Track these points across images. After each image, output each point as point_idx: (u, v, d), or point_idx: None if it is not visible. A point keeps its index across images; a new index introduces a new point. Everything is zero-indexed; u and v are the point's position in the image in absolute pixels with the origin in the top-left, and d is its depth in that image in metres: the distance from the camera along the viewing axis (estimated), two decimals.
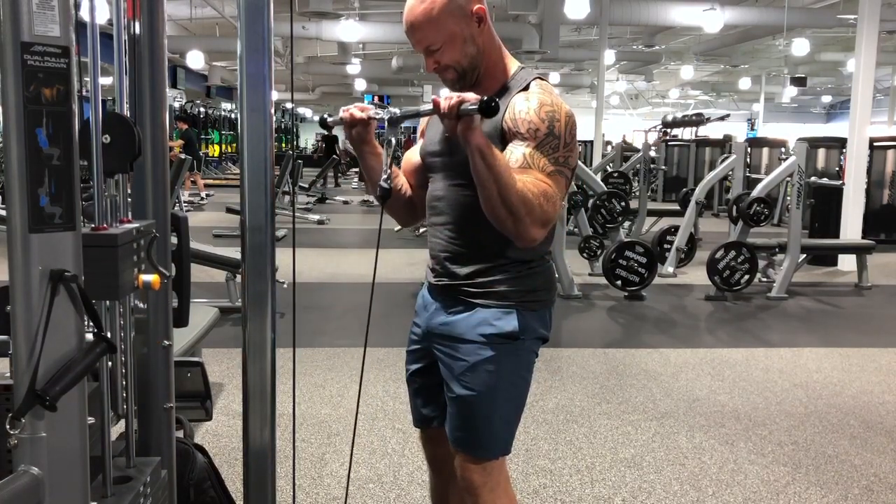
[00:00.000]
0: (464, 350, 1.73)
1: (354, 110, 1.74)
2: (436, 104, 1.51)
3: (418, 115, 1.68)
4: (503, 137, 1.66)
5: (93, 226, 1.33)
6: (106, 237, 1.30)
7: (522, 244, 1.62)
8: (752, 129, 26.87)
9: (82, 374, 1.14)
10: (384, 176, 1.63)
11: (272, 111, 1.57)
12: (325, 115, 1.84)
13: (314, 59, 19.82)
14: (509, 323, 1.71)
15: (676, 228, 7.72)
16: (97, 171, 1.35)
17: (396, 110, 1.65)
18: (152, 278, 1.38)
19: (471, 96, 1.48)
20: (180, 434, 2.00)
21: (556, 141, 1.62)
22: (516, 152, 1.62)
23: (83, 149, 1.21)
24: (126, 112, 1.53)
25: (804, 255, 7.13)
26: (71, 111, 1.10)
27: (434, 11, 1.63)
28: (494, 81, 1.74)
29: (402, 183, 1.94)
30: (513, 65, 1.77)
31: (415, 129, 2.09)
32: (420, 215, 1.94)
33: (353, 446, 2.17)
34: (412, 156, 1.95)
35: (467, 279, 1.74)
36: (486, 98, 1.45)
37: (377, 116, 1.72)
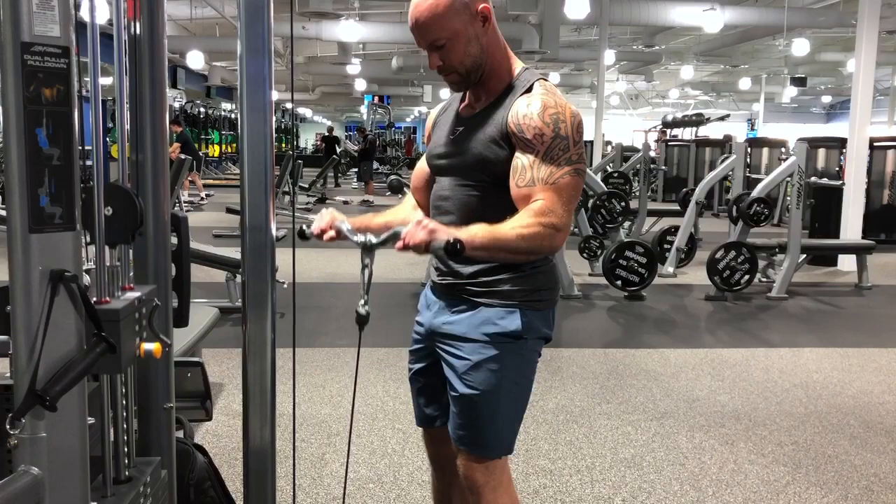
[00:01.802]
0: (467, 349, 1.73)
1: (329, 233, 1.76)
2: (405, 242, 1.54)
3: (393, 240, 1.62)
4: (508, 140, 1.67)
5: (95, 299, 1.33)
6: (108, 312, 1.30)
7: (554, 253, 1.71)
8: (752, 130, 26.87)
9: (82, 374, 1.14)
10: (361, 301, 1.63)
11: (272, 111, 1.57)
12: (303, 226, 1.84)
13: (314, 59, 19.83)
14: (513, 322, 1.72)
15: (676, 228, 7.72)
16: (99, 243, 1.36)
17: (372, 238, 1.65)
18: (154, 347, 1.40)
19: (439, 236, 1.50)
20: (180, 434, 2.00)
21: (564, 142, 1.63)
22: (524, 162, 1.64)
23: (85, 220, 1.22)
24: (126, 112, 1.53)
25: (804, 256, 7.13)
26: (71, 111, 1.10)
27: (439, 8, 1.64)
28: (499, 81, 1.74)
29: (405, 217, 1.93)
30: (517, 65, 1.77)
31: (416, 130, 2.10)
32: None
33: (349, 444, 2.16)
34: (422, 167, 1.95)
35: (471, 278, 1.74)
36: (450, 240, 1.48)
37: (352, 238, 1.71)
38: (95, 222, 1.35)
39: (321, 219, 1.78)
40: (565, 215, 1.63)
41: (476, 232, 1.57)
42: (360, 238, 1.67)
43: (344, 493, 2.06)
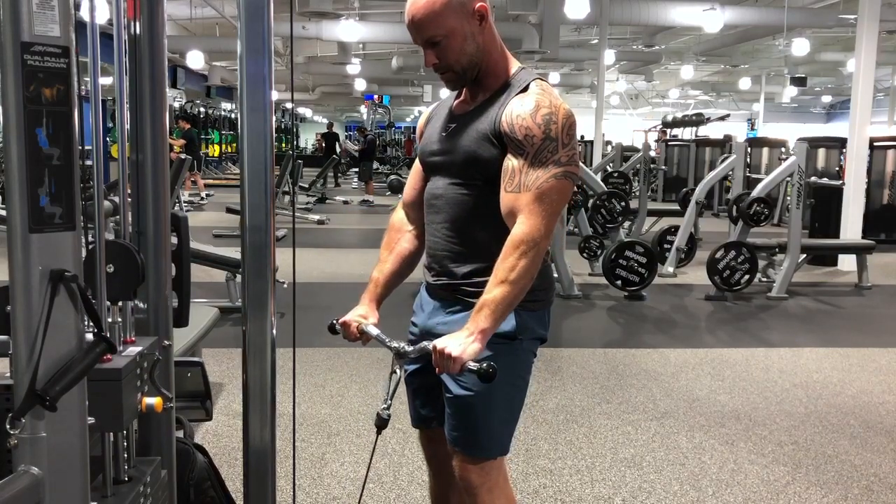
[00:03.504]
0: None
1: (361, 337, 1.82)
2: (439, 364, 1.58)
3: (426, 355, 1.65)
4: (500, 138, 1.66)
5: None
6: (110, 371, 1.31)
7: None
8: (752, 129, 26.86)
9: (82, 374, 1.14)
10: (384, 406, 1.66)
11: (272, 111, 1.57)
12: (334, 321, 1.88)
13: (314, 59, 19.81)
14: (507, 323, 1.71)
15: (676, 228, 7.71)
16: (101, 299, 1.36)
17: (406, 346, 1.68)
18: (155, 401, 1.41)
19: (469, 358, 1.55)
20: (180, 434, 2.00)
21: (552, 144, 1.62)
22: (513, 164, 1.64)
23: (87, 276, 1.23)
24: (126, 112, 1.53)
25: (804, 255, 7.13)
26: (71, 111, 1.10)
27: (436, 6, 1.64)
28: (495, 80, 1.74)
29: (399, 264, 1.94)
30: (514, 65, 1.77)
31: (415, 128, 2.09)
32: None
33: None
34: (416, 175, 1.94)
35: (465, 278, 1.74)
36: (487, 366, 1.51)
37: (385, 343, 1.73)
38: (98, 280, 1.37)
39: (346, 328, 1.84)
40: (545, 224, 1.61)
41: (486, 314, 1.59)
42: (394, 345, 1.70)
43: (361, 495, 2.05)
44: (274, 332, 1.62)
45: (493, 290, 1.60)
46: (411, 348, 1.68)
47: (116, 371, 1.31)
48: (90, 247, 1.37)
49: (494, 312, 1.59)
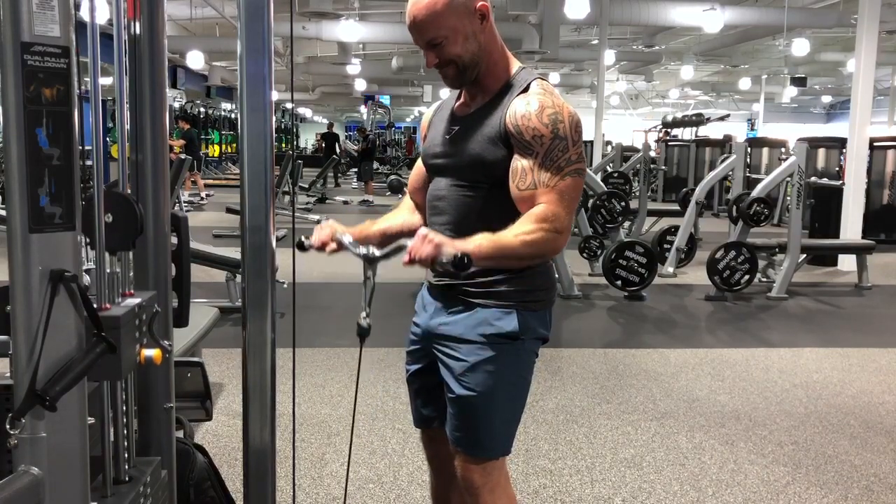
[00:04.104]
0: (464, 350, 1.73)
1: (331, 246, 1.76)
2: (412, 257, 1.53)
3: (396, 253, 1.64)
4: (506, 140, 1.66)
5: (95, 306, 1.33)
6: (108, 319, 1.30)
7: (556, 255, 1.72)
8: (752, 130, 26.86)
9: (82, 374, 1.14)
10: (363, 314, 1.63)
11: (272, 111, 1.57)
12: (303, 238, 1.83)
13: (314, 59, 19.81)
14: (509, 323, 1.71)
15: (676, 228, 7.72)
16: (99, 250, 1.36)
17: (375, 250, 1.65)
18: (154, 353, 1.40)
19: (446, 250, 1.51)
20: (180, 434, 2.00)
21: (563, 143, 1.63)
22: (524, 165, 1.64)
23: (86, 227, 1.22)
24: (126, 112, 1.53)
25: (804, 255, 7.13)
26: (71, 111, 1.10)
27: (437, 6, 1.63)
28: (495, 80, 1.74)
29: (403, 223, 1.95)
30: (514, 64, 1.77)
31: (415, 130, 2.10)
32: None
33: (351, 444, 2.16)
34: (420, 168, 1.95)
35: (468, 279, 1.74)
36: (458, 255, 1.48)
37: (355, 251, 1.71)
38: (96, 229, 1.35)
39: (321, 231, 1.78)
40: (567, 218, 1.63)
41: (481, 242, 1.57)
42: (362, 251, 1.66)
43: (345, 493, 2.06)
44: (274, 332, 1.62)
45: (501, 235, 1.59)
46: (380, 252, 1.65)
47: (115, 319, 1.30)
48: (88, 194, 1.34)
49: (484, 249, 1.56)
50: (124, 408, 1.50)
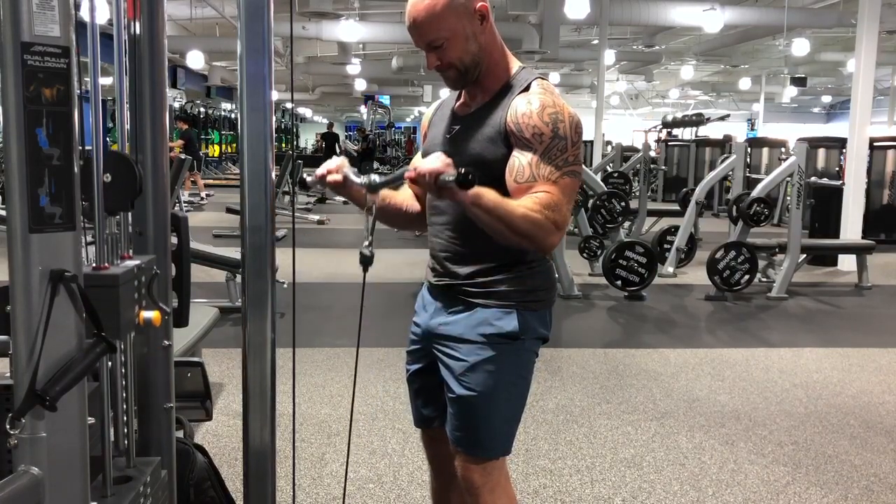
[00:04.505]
0: (464, 350, 1.73)
1: (334, 176, 1.73)
2: (415, 175, 1.52)
3: (398, 179, 1.65)
4: (506, 139, 1.66)
5: (94, 265, 1.33)
6: (107, 277, 1.30)
7: (545, 252, 1.68)
8: (752, 130, 26.86)
9: (82, 374, 1.14)
10: (366, 243, 1.63)
11: (272, 111, 1.57)
12: (304, 175, 1.82)
13: (314, 59, 19.81)
14: (509, 323, 1.71)
15: (676, 228, 7.71)
16: (98, 209, 1.35)
17: (376, 177, 1.65)
18: (153, 315, 1.39)
19: (447, 168, 1.49)
20: (180, 434, 2.00)
21: (562, 142, 1.63)
22: (521, 161, 1.63)
23: (84, 187, 1.21)
24: (126, 112, 1.53)
25: (804, 255, 7.13)
26: (71, 111, 1.10)
27: (437, 8, 1.63)
28: (496, 80, 1.74)
29: (403, 199, 1.94)
30: (514, 64, 1.77)
31: (416, 129, 2.10)
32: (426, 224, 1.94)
33: (349, 444, 2.16)
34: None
35: (468, 279, 1.74)
36: (462, 171, 1.47)
37: (356, 181, 1.70)
38: (94, 190, 1.34)
39: (326, 166, 1.76)
40: (566, 215, 1.63)
41: (487, 191, 1.55)
42: (363, 179, 1.67)
43: (344, 494, 2.06)
44: (274, 332, 1.62)
45: (507, 200, 1.57)
46: (382, 179, 1.65)
47: (114, 277, 1.29)
48: (87, 156, 1.34)
49: (488, 197, 1.54)
50: (124, 408, 1.50)
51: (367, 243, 1.62)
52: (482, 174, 1.70)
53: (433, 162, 1.52)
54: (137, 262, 1.42)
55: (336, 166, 1.74)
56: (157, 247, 1.60)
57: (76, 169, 1.12)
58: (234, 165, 21.91)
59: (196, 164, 13.82)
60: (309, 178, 1.81)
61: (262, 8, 1.49)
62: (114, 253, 1.39)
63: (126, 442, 1.47)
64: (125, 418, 1.49)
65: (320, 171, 1.75)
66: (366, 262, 1.62)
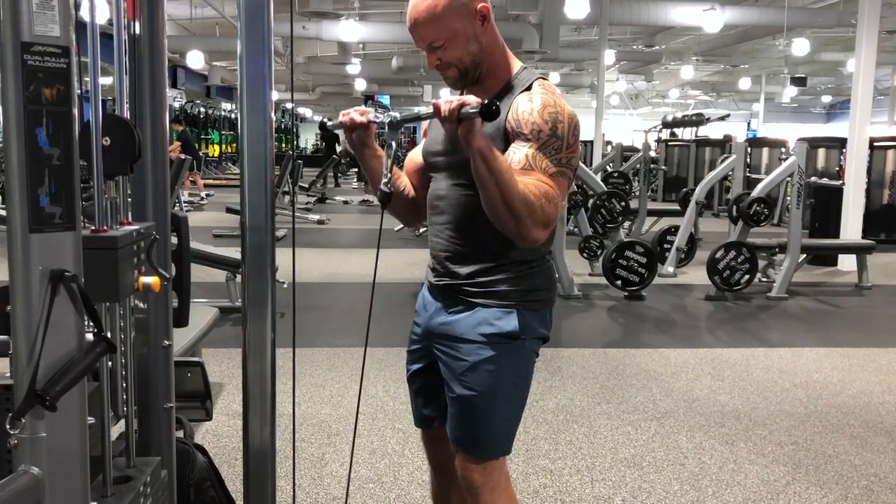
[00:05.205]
0: (464, 350, 1.73)
1: (354, 114, 1.74)
2: (436, 108, 1.52)
3: (419, 118, 1.68)
4: (506, 138, 1.66)
5: (93, 228, 1.33)
6: (106, 239, 1.30)
7: (524, 245, 1.64)
8: (752, 130, 26.86)
9: (82, 374, 1.14)
10: (384, 179, 1.64)
11: (272, 111, 1.57)
12: (325, 119, 1.84)
13: (314, 59, 19.81)
14: (510, 323, 1.71)
15: (676, 228, 7.71)
16: (97, 173, 1.35)
17: (397, 114, 1.66)
18: (152, 280, 1.38)
19: (471, 99, 1.48)
20: (180, 434, 2.00)
21: (559, 142, 1.62)
22: (519, 153, 1.62)
23: (83, 150, 1.21)
24: (126, 112, 1.53)
25: (804, 255, 7.13)
26: (71, 111, 1.10)
27: (438, 8, 1.63)
28: (497, 80, 1.74)
29: (405, 184, 1.95)
30: (515, 64, 1.77)
31: (416, 129, 2.11)
32: (423, 216, 1.94)
33: (353, 446, 2.16)
34: (415, 156, 1.95)
35: (468, 279, 1.74)
36: (486, 101, 1.45)
37: (377, 120, 1.73)
38: (93, 153, 1.34)
39: (343, 115, 1.76)
40: (556, 214, 1.62)
41: (500, 154, 1.55)
42: (383, 118, 1.69)
43: (347, 493, 2.06)
44: (274, 332, 1.62)
45: (513, 171, 1.56)
46: (402, 116, 1.66)
47: (113, 239, 1.29)
48: (86, 121, 1.33)
49: (496, 158, 1.52)
50: (124, 408, 1.50)
51: (385, 180, 1.63)
52: None
53: (453, 100, 1.51)
54: (136, 226, 1.42)
55: (358, 110, 1.75)
56: (157, 247, 1.60)
57: (76, 169, 1.12)
58: (234, 165, 21.92)
59: (196, 164, 13.83)
60: (329, 123, 1.82)
61: (262, 8, 1.49)
62: (113, 218, 1.39)
63: (126, 442, 1.47)
64: (125, 418, 1.49)
65: (342, 116, 1.76)
66: (384, 199, 1.64)
